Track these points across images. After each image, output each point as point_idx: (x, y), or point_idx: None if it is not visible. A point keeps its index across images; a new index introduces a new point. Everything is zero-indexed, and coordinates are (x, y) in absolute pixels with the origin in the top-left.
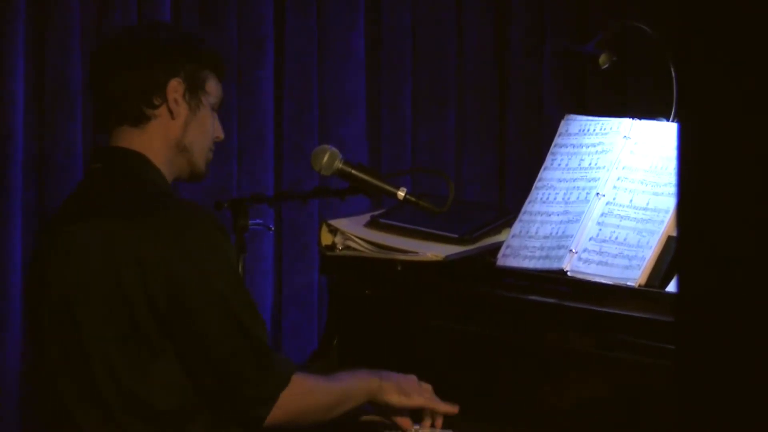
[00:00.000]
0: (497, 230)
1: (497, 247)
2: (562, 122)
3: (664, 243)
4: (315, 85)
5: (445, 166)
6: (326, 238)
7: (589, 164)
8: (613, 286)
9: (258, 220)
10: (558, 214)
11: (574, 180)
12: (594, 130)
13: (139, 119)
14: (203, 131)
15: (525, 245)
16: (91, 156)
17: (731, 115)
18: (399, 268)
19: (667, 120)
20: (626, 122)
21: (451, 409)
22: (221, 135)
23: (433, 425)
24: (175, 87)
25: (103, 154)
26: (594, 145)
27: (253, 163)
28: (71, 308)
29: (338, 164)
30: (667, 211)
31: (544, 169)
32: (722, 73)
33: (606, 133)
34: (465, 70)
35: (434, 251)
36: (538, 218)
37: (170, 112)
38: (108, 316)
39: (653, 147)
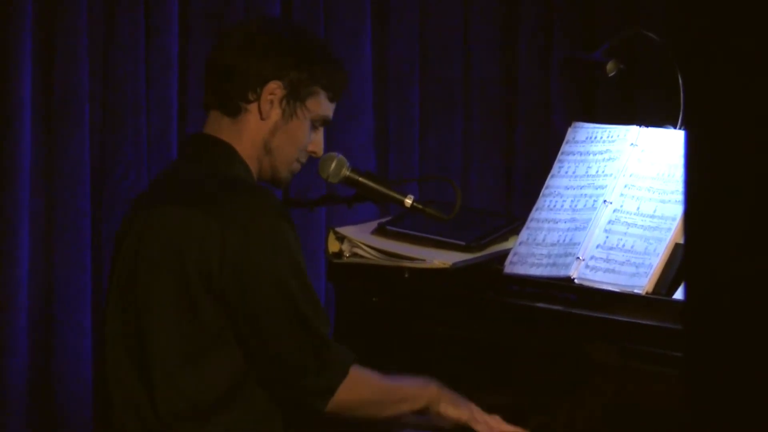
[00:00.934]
0: (504, 237)
1: (504, 254)
2: (570, 130)
3: (671, 250)
4: None
5: (453, 174)
6: (333, 246)
7: (597, 172)
8: (620, 294)
9: None
10: (565, 222)
11: (582, 187)
12: (601, 137)
13: (231, 109)
14: (292, 141)
15: (532, 252)
16: (186, 140)
17: (738, 122)
18: (406, 276)
19: (675, 127)
20: (633, 130)
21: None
22: (319, 152)
23: None
24: (273, 89)
25: (196, 141)
26: (601, 153)
27: None
28: (135, 290)
29: (346, 172)
30: (674, 219)
31: (552, 176)
32: (729, 81)
33: (613, 141)
34: (472, 77)
35: (441, 259)
36: (546, 225)
37: (260, 111)
38: (170, 300)
39: (660, 154)
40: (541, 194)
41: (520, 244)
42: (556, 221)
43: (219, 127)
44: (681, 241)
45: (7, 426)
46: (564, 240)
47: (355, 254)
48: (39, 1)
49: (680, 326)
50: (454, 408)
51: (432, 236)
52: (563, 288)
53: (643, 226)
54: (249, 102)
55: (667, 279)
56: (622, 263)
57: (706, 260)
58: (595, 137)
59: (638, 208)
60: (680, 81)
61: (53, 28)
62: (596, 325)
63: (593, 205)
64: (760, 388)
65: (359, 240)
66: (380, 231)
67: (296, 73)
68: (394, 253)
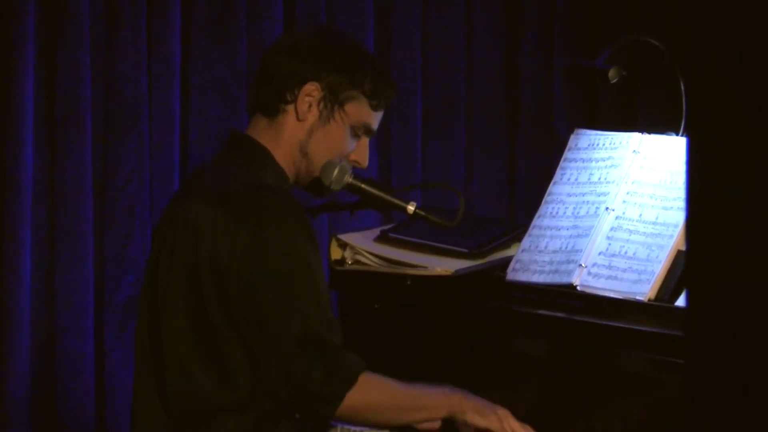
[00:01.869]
0: (507, 245)
1: (507, 261)
2: (572, 137)
3: (673, 257)
4: None
5: (455, 181)
6: (335, 253)
7: (599, 179)
8: (623, 301)
9: None
10: (567, 229)
11: (584, 194)
12: (603, 144)
13: (271, 110)
14: (329, 145)
15: (534, 260)
16: (227, 138)
17: (741, 129)
18: (408, 283)
19: (677, 134)
20: (635, 137)
21: None
22: (362, 162)
23: None
24: (310, 90)
25: (235, 140)
26: (603, 160)
27: None
28: (156, 285)
29: (348, 179)
30: (676, 226)
31: (554, 183)
32: (732, 88)
33: (615, 148)
34: (475, 84)
35: (444, 266)
36: (548, 233)
37: (296, 112)
38: (183, 296)
39: (662, 161)
40: (543, 201)
41: (522, 251)
42: (558, 228)
43: (258, 129)
44: (683, 248)
45: (11, 429)
46: (566, 247)
47: (357, 261)
48: (41, 9)
49: (683, 333)
50: (482, 417)
51: (434, 243)
52: (565, 295)
53: (645, 233)
54: (287, 103)
55: (670, 286)
56: (624, 270)
57: (708, 267)
58: (598, 144)
59: (640, 215)
60: (682, 88)
61: (55, 36)
62: (598, 332)
63: (595, 212)
64: (763, 395)
65: (361, 247)
66: (382, 238)
67: (335, 75)
68: (397, 260)
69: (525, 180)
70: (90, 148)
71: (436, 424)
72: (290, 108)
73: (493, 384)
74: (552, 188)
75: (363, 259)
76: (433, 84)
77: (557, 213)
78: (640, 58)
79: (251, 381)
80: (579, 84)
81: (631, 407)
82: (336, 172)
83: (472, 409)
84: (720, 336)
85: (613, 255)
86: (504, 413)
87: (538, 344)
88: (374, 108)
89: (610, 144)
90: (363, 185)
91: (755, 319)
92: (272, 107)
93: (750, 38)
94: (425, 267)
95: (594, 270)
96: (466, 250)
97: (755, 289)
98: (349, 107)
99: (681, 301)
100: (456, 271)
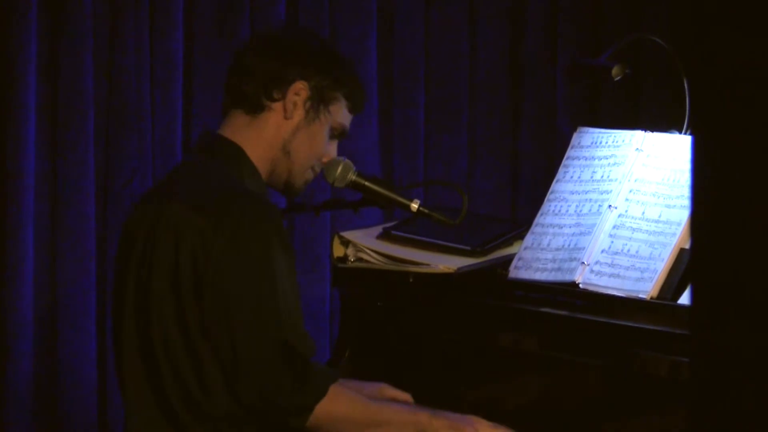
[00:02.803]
0: (509, 242)
1: (509, 259)
2: (575, 135)
3: (676, 255)
4: None
5: (458, 178)
6: (338, 250)
7: (602, 177)
8: (625, 299)
9: None
10: (570, 227)
11: (587, 192)
12: (606, 142)
13: (255, 107)
14: (311, 145)
15: (537, 257)
16: (199, 138)
17: (744, 127)
18: (411, 281)
19: (680, 132)
20: (638, 135)
21: None
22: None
23: None
24: (299, 89)
25: (206, 141)
26: (606, 158)
27: None
28: (145, 291)
29: (351, 176)
30: (679, 224)
31: (557, 181)
32: (735, 85)
33: (618, 146)
34: (478, 81)
35: (446, 263)
36: (550, 230)
37: (285, 110)
38: (170, 302)
39: (665, 159)
40: (546, 199)
41: (524, 248)
42: (561, 226)
43: (236, 127)
44: (686, 246)
45: (13, 429)
46: (569, 245)
47: (360, 259)
48: (43, 5)
49: (686, 331)
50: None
51: (437, 241)
52: (568, 293)
53: (648, 231)
54: (274, 100)
55: (672, 284)
56: (627, 268)
57: (712, 264)
58: (601, 142)
59: (643, 213)
60: (685, 85)
61: (58, 33)
62: (601, 330)
63: (598, 210)
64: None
65: (364, 245)
66: (385, 235)
67: (321, 76)
68: (399, 258)
69: (528, 178)
70: (92, 145)
71: None
72: (277, 106)
73: (494, 381)
74: (555, 186)
75: (366, 257)
76: (436, 82)
77: (560, 211)
78: (643, 56)
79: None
80: (582, 82)
81: (633, 405)
82: (340, 169)
83: (444, 426)
84: (725, 333)
85: (616, 253)
86: (477, 422)
87: (540, 342)
88: (350, 110)
89: (613, 142)
90: (367, 183)
91: (760, 317)
92: (257, 104)
93: (753, 36)
94: (428, 264)
95: (596, 268)
96: (468, 248)
97: (760, 286)
98: (333, 108)
99: (684, 299)
100: (458, 269)
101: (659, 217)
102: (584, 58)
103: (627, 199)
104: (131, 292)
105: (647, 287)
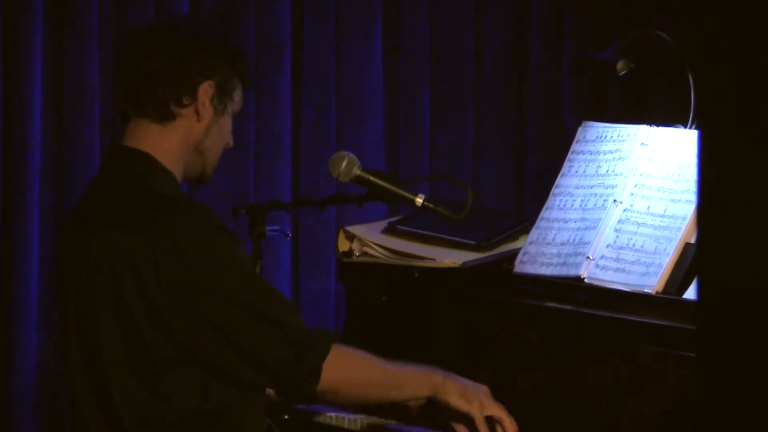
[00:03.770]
0: (514, 237)
1: (514, 253)
2: (580, 129)
3: (681, 250)
4: (333, 91)
5: (463, 173)
6: (343, 245)
7: (607, 171)
8: (630, 293)
9: (275, 227)
10: (575, 221)
11: (592, 187)
12: (611, 137)
13: (163, 115)
14: (221, 137)
15: (542, 252)
16: (105, 156)
17: (750, 121)
18: (416, 275)
19: (685, 127)
20: (644, 129)
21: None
22: (231, 143)
23: None
24: (207, 89)
25: (113, 156)
26: (611, 152)
27: (271, 169)
28: (87, 323)
29: (356, 171)
30: (684, 218)
31: (562, 175)
32: (741, 80)
33: (623, 140)
34: (483, 76)
35: (451, 258)
36: (556, 225)
37: (197, 113)
38: (118, 329)
39: (670, 154)
40: (551, 193)
41: (530, 243)
42: (566, 221)
43: (143, 136)
44: (691, 240)
45: (17, 426)
46: (574, 239)
47: (365, 253)
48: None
49: (691, 326)
50: (464, 401)
51: (442, 236)
52: (573, 287)
53: (653, 225)
54: (184, 106)
55: (677, 278)
56: (632, 263)
57: (718, 259)
58: (606, 136)
59: (648, 208)
60: (691, 80)
61: (63, 25)
62: (606, 324)
63: (603, 204)
64: None
65: (369, 239)
66: (390, 230)
67: (221, 69)
68: (405, 253)
69: (533, 172)
70: (98, 137)
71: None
72: (188, 111)
73: (499, 376)
74: (560, 180)
75: (371, 251)
76: (442, 76)
77: (565, 205)
78: (649, 50)
79: (213, 403)
80: (587, 76)
81: (638, 400)
82: (344, 164)
83: (456, 391)
84: (731, 328)
85: (621, 247)
86: (486, 396)
87: (545, 337)
88: (244, 88)
89: (618, 136)
90: (371, 177)
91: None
92: (166, 112)
93: (758, 30)
94: (433, 259)
95: (602, 262)
96: (473, 243)
97: (766, 281)
98: (236, 95)
99: (689, 294)
100: (464, 264)
101: (664, 211)
102: (589, 53)
103: (632, 193)
104: (74, 325)
105: (652, 282)
